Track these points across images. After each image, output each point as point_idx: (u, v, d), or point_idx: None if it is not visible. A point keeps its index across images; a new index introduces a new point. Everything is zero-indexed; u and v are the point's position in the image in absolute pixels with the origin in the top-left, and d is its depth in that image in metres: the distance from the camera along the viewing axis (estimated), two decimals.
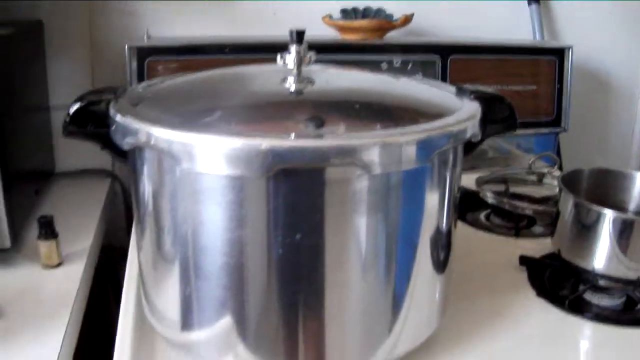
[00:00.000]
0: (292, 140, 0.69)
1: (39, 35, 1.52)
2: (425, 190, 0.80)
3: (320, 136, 0.71)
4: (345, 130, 0.77)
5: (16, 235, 1.17)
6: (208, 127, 0.74)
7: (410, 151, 0.73)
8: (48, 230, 1.15)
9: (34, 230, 1.23)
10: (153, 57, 1.45)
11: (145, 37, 1.50)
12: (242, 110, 0.84)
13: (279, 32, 1.59)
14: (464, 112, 0.84)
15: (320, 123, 0.73)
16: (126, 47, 1.43)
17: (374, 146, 0.70)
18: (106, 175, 1.67)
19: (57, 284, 1.12)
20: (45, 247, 1.16)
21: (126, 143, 0.77)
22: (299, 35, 0.89)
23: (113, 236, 1.55)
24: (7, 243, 1.14)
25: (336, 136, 0.72)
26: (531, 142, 1.79)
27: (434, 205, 0.82)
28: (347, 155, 0.69)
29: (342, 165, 0.70)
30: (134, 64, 1.44)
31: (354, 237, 0.76)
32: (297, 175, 0.71)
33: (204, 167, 0.71)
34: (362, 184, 0.73)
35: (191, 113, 0.82)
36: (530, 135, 1.76)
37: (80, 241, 1.28)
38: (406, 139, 0.72)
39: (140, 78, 1.45)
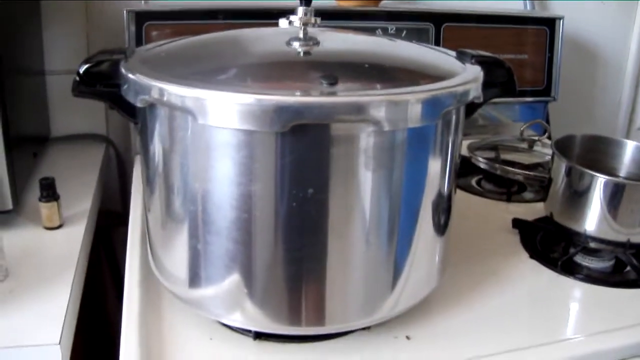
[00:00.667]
0: (309, 96, 0.71)
1: (34, 1, 1.52)
2: (429, 151, 0.82)
3: (334, 93, 0.73)
4: (358, 88, 0.78)
5: (17, 197, 1.18)
6: (223, 84, 0.75)
7: (419, 109, 0.75)
8: (49, 192, 1.16)
9: (33, 192, 1.24)
10: (151, 22, 1.45)
11: (142, 1, 1.50)
12: (253, 69, 0.86)
13: None
14: (468, 74, 0.86)
15: (334, 80, 0.74)
16: (125, 11, 1.43)
17: (387, 103, 0.72)
18: (101, 139, 1.68)
19: (59, 245, 1.13)
20: (46, 208, 1.16)
21: (140, 100, 0.78)
22: None
23: (106, 200, 1.56)
24: (9, 205, 1.15)
25: (352, 93, 0.74)
26: (520, 111, 1.81)
27: (436, 167, 0.85)
28: (361, 111, 0.71)
29: (355, 122, 0.73)
30: (132, 28, 1.44)
31: (360, 193, 0.78)
32: (308, 131, 0.72)
33: (219, 123, 0.72)
34: (370, 141, 0.75)
35: (202, 71, 0.83)
36: (520, 103, 1.78)
37: (80, 204, 1.28)
38: (417, 97, 0.74)
39: (139, 42, 1.45)
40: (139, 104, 0.79)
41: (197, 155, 0.78)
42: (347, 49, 0.96)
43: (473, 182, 1.47)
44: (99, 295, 1.66)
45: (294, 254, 0.79)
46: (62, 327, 0.91)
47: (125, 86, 0.81)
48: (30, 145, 1.39)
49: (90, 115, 1.63)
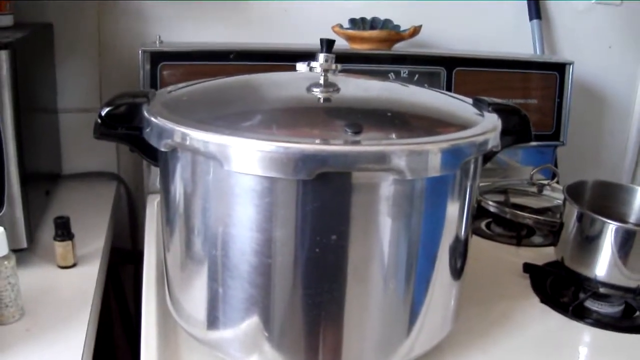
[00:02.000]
0: (335, 145, 0.72)
1: (49, 38, 1.54)
2: (448, 198, 0.83)
3: (359, 142, 0.74)
4: (382, 137, 0.80)
5: (32, 235, 1.18)
6: (247, 130, 0.76)
7: (441, 159, 0.76)
8: (64, 231, 1.17)
9: (46, 230, 1.25)
10: (166, 62, 1.46)
11: (157, 42, 1.52)
12: (276, 115, 0.87)
13: (290, 39, 1.63)
14: (487, 123, 0.87)
15: (358, 129, 0.75)
16: (140, 51, 1.45)
17: (410, 153, 0.73)
18: (111, 177, 1.69)
19: (73, 284, 1.14)
20: (61, 247, 1.17)
21: (163, 144, 0.79)
22: (329, 44, 0.92)
23: (115, 237, 1.57)
24: (24, 243, 1.15)
25: (376, 142, 0.75)
26: (529, 155, 1.82)
27: (454, 213, 0.86)
28: (385, 160, 0.72)
29: (378, 170, 0.74)
30: (147, 68, 1.46)
31: (380, 240, 0.79)
32: (331, 179, 0.73)
33: (244, 169, 0.73)
34: (391, 189, 0.76)
35: (225, 116, 0.85)
36: (528, 147, 1.78)
37: (93, 242, 1.29)
38: (439, 147, 0.76)
39: (153, 82, 1.46)
40: (162, 148, 0.80)
41: (219, 200, 0.79)
42: (367, 96, 0.98)
43: (482, 225, 1.48)
44: (107, 331, 1.66)
45: (313, 299, 0.79)
46: None
47: (148, 129, 0.83)
48: (43, 183, 1.40)
49: (101, 153, 1.64)
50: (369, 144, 0.73)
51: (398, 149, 0.73)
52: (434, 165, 0.76)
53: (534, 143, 1.72)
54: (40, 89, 1.41)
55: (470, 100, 1.00)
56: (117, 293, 1.72)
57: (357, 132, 0.75)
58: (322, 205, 0.75)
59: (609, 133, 2.15)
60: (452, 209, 0.85)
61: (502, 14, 1.91)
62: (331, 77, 0.93)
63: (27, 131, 1.17)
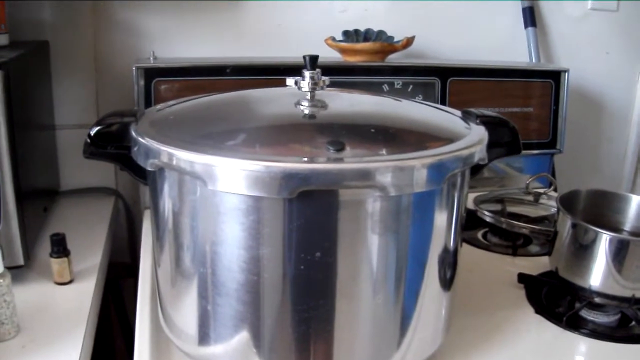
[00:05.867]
0: (316, 163, 0.73)
1: (45, 56, 1.55)
2: (434, 211, 0.83)
3: (341, 159, 0.75)
4: (364, 153, 0.80)
5: (28, 252, 1.19)
6: (230, 150, 0.77)
7: (425, 174, 0.76)
8: (60, 247, 1.17)
9: (43, 247, 1.26)
10: (159, 78, 1.47)
11: (151, 58, 1.53)
12: (261, 133, 0.88)
13: (284, 53, 1.64)
14: (473, 137, 0.87)
15: (340, 146, 0.76)
16: (134, 68, 1.46)
17: (392, 169, 0.74)
18: (109, 193, 1.70)
19: (69, 301, 1.14)
20: (57, 264, 1.18)
21: (150, 164, 0.80)
22: (312, 61, 0.92)
23: (115, 252, 1.57)
24: (21, 260, 1.16)
25: (358, 159, 0.75)
26: (526, 163, 1.82)
27: (442, 225, 0.86)
28: (367, 178, 0.73)
29: (361, 187, 0.74)
30: (141, 84, 1.47)
31: (367, 255, 0.79)
32: (315, 196, 0.74)
33: (227, 188, 0.74)
34: (376, 205, 0.77)
35: (211, 135, 0.85)
36: (526, 155, 1.79)
37: (90, 258, 1.30)
38: (422, 162, 0.76)
39: (147, 98, 1.47)
40: (149, 168, 0.80)
41: (206, 219, 0.79)
42: (353, 112, 0.98)
43: (479, 235, 1.48)
44: (108, 345, 1.67)
45: (302, 315, 0.80)
46: None
47: (136, 149, 0.83)
48: (41, 200, 1.41)
49: (99, 169, 1.65)
50: (351, 162, 0.74)
51: (380, 165, 0.73)
52: (418, 180, 0.76)
53: (531, 151, 1.73)
54: (36, 106, 1.41)
55: (459, 113, 1.00)
56: (118, 306, 1.72)
57: (339, 150, 0.75)
58: (307, 222, 0.75)
59: (608, 140, 2.15)
60: (440, 221, 0.85)
61: (497, 22, 1.92)
62: (319, 93, 0.93)
63: (22, 148, 1.18)
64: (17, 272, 1.15)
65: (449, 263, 0.90)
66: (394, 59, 1.71)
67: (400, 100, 1.07)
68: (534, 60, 1.90)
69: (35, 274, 1.22)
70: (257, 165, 0.71)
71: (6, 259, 1.12)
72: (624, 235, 1.15)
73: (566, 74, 1.76)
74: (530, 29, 1.90)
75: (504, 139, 0.96)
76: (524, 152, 1.72)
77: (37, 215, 1.35)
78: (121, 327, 1.74)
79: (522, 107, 1.73)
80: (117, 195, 1.70)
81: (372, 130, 0.88)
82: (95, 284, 1.20)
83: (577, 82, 1.96)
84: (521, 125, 1.69)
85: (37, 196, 1.37)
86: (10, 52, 1.24)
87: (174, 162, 0.76)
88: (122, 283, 1.71)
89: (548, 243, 1.22)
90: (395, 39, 1.69)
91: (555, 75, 1.76)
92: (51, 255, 1.18)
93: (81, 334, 1.04)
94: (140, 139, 0.82)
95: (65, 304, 1.13)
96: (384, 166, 0.73)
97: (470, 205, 1.47)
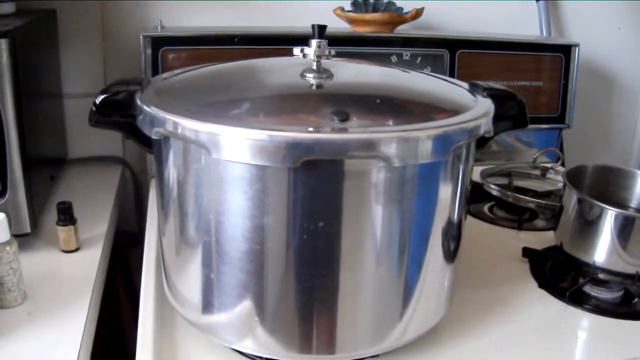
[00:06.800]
0: (320, 133, 0.73)
1: (52, 24, 1.55)
2: (439, 183, 0.83)
3: (345, 130, 0.75)
4: (369, 124, 0.80)
5: (35, 220, 1.20)
6: (236, 119, 0.77)
7: (429, 145, 0.76)
8: (67, 216, 1.18)
9: (51, 215, 1.26)
10: (167, 47, 1.47)
11: (158, 27, 1.52)
12: (266, 102, 0.87)
13: (291, 23, 1.63)
14: (479, 109, 0.87)
15: (345, 117, 0.76)
16: (141, 37, 1.46)
17: (396, 140, 0.73)
18: (117, 161, 1.71)
19: (76, 268, 1.15)
20: (64, 232, 1.18)
21: (155, 133, 0.80)
22: (320, 30, 0.92)
23: (122, 221, 1.58)
24: (27, 228, 1.17)
25: (362, 130, 0.75)
26: (534, 137, 1.82)
27: (447, 198, 0.86)
28: (371, 148, 0.73)
29: (365, 158, 0.74)
30: (149, 53, 1.46)
31: (371, 226, 0.79)
32: (319, 166, 0.74)
33: (231, 157, 0.74)
34: (380, 176, 0.77)
35: (217, 104, 0.85)
36: (534, 130, 1.78)
37: (96, 226, 1.31)
38: (426, 134, 0.76)
39: (154, 67, 1.47)
40: (154, 136, 0.80)
41: (210, 188, 0.79)
42: (360, 82, 0.97)
43: (485, 208, 1.48)
44: (115, 314, 1.68)
45: (305, 284, 0.80)
46: (79, 349, 0.93)
47: (141, 117, 0.83)
48: (48, 168, 1.41)
49: (106, 137, 1.64)
50: (355, 132, 0.74)
51: (385, 136, 0.73)
52: (422, 152, 0.76)
53: (540, 126, 1.73)
54: (44, 75, 1.41)
55: (466, 85, 1.00)
56: (125, 275, 1.73)
57: (344, 120, 0.75)
58: (311, 192, 0.75)
59: (618, 116, 2.14)
60: (444, 194, 0.85)
61: None
62: (325, 63, 0.93)
63: (29, 117, 1.18)
64: (23, 239, 1.16)
65: (453, 235, 0.90)
66: (403, 30, 1.70)
67: (407, 72, 1.07)
68: (544, 34, 1.89)
69: (42, 241, 1.22)
70: (261, 135, 0.71)
71: (13, 226, 1.13)
72: (630, 212, 1.15)
73: (577, 48, 1.75)
74: (541, 2, 1.88)
75: (511, 112, 0.95)
76: (532, 126, 1.74)
77: (44, 183, 1.36)
78: (128, 295, 1.75)
79: (532, 81, 1.73)
80: (124, 164, 1.70)
81: (378, 101, 0.88)
82: (101, 252, 1.21)
83: (587, 56, 1.95)
84: (530, 100, 1.71)
85: (44, 164, 1.37)
86: (16, 20, 1.24)
87: (179, 131, 0.76)
88: (129, 252, 1.72)
89: (554, 218, 1.22)
90: (404, 10, 1.68)
91: (566, 50, 1.75)
92: (58, 223, 1.18)
93: (87, 302, 1.04)
94: (145, 107, 0.81)
95: (72, 271, 1.14)
96: (388, 137, 0.73)
97: (477, 178, 1.47)
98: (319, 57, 0.92)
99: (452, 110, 0.85)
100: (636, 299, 1.12)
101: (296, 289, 0.80)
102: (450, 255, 0.92)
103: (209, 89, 0.93)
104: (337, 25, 1.65)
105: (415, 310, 0.88)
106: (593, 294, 1.12)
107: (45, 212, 1.31)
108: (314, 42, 0.92)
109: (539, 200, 1.38)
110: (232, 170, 0.76)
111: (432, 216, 0.85)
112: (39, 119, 1.32)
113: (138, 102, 0.84)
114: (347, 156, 0.73)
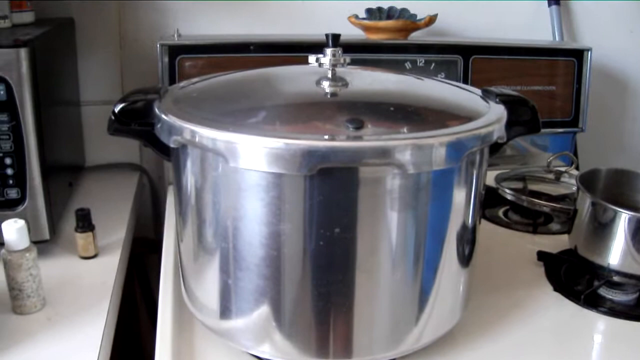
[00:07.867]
0: (335, 141, 0.74)
1: (70, 33, 1.56)
2: (453, 189, 0.84)
3: (360, 137, 0.76)
4: (383, 132, 0.81)
5: (54, 227, 1.21)
6: (252, 127, 0.78)
7: (443, 152, 0.77)
8: (85, 222, 1.19)
9: (69, 222, 1.28)
10: (183, 55, 1.48)
11: (175, 35, 1.54)
12: (282, 111, 0.89)
13: (306, 30, 1.64)
14: (491, 115, 0.88)
15: (360, 124, 0.77)
16: (158, 45, 1.47)
17: (410, 147, 0.74)
18: (134, 168, 1.72)
19: (94, 275, 1.16)
20: (82, 239, 1.20)
21: (173, 141, 0.81)
22: (335, 39, 0.93)
23: (139, 227, 1.59)
24: (47, 235, 1.18)
25: (376, 137, 0.76)
26: (548, 141, 1.82)
27: (461, 203, 0.87)
28: (386, 155, 0.74)
29: (380, 165, 0.75)
30: (166, 61, 1.48)
31: (386, 232, 0.80)
32: (335, 173, 0.75)
33: (248, 165, 0.75)
34: (395, 183, 0.78)
35: (233, 113, 0.87)
36: (548, 134, 1.78)
37: (114, 233, 1.32)
38: (440, 141, 0.77)
39: (172, 75, 1.49)
40: (172, 145, 0.82)
41: (228, 195, 0.80)
42: (374, 90, 0.99)
43: (500, 213, 1.49)
44: (133, 320, 1.69)
45: (321, 290, 0.81)
46: (98, 355, 0.94)
47: (159, 126, 0.85)
48: (67, 175, 1.43)
49: (124, 145, 1.65)
50: (369, 139, 0.75)
51: (399, 143, 0.74)
52: (436, 158, 0.77)
53: (554, 130, 1.73)
54: (62, 83, 1.43)
55: (479, 92, 1.01)
56: (142, 281, 1.75)
57: (359, 128, 0.76)
58: (327, 199, 0.76)
59: (631, 119, 2.13)
60: (458, 199, 0.86)
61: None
62: (340, 71, 0.94)
63: (48, 125, 1.20)
64: (42, 246, 1.17)
65: (468, 240, 0.91)
66: (417, 36, 1.71)
67: (420, 79, 1.08)
68: (557, 39, 1.89)
69: (61, 248, 1.24)
70: (277, 143, 0.72)
71: (32, 233, 1.14)
72: None
73: (589, 52, 1.75)
74: (554, 6, 1.88)
75: (524, 118, 0.96)
76: (546, 130, 1.74)
77: (63, 190, 1.37)
78: (145, 302, 1.76)
79: (545, 85, 1.73)
80: (141, 171, 1.72)
81: (392, 109, 0.89)
82: (119, 258, 1.22)
83: (600, 60, 1.95)
84: (544, 104, 1.71)
85: (63, 171, 1.39)
86: (35, 29, 1.25)
87: (197, 139, 0.78)
88: (146, 258, 1.73)
89: (568, 221, 1.22)
90: (418, 17, 1.69)
91: (578, 54, 1.75)
92: (76, 230, 1.20)
93: (105, 308, 1.06)
94: (163, 116, 0.83)
95: (90, 278, 1.15)
96: (403, 144, 0.74)
97: (491, 183, 1.47)
98: (334, 65, 0.93)
99: (465, 116, 0.86)
100: None
101: (313, 294, 0.81)
102: (465, 259, 0.92)
103: (225, 97, 0.94)
104: (352, 32, 1.66)
105: (431, 314, 0.88)
106: (608, 296, 1.12)
107: (64, 219, 1.32)
108: (329, 51, 0.93)
109: (554, 204, 1.38)
110: (249, 178, 0.77)
111: (446, 221, 0.86)
112: (58, 127, 1.33)
113: (156, 110, 0.85)
114: (362, 163, 0.75)
